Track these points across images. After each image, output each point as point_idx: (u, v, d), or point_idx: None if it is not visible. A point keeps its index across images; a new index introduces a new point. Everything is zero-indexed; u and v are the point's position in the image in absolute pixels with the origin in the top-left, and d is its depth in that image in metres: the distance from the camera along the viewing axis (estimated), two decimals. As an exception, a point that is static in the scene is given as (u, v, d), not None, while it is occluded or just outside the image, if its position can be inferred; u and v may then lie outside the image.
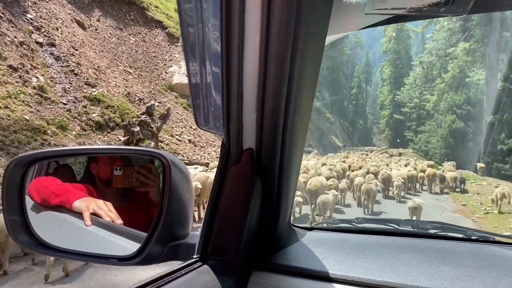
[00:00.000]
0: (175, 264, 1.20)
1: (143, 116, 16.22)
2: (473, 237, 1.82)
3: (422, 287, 1.18)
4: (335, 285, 1.26)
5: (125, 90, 22.00)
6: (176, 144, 20.47)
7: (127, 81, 23.14)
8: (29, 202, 1.39)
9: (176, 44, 29.01)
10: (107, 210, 1.36)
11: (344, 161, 27.53)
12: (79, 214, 1.34)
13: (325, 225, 2.10)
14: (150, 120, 16.11)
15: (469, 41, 38.24)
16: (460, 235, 1.85)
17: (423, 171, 23.26)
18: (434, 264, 1.34)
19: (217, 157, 22.03)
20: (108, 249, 1.33)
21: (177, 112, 24.04)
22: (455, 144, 37.81)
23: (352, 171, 21.78)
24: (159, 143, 17.88)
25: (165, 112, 17.36)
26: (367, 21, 1.45)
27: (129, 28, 27.34)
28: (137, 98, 21.59)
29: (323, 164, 23.47)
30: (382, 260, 1.38)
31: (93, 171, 1.56)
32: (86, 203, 1.36)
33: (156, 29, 29.06)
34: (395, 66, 66.46)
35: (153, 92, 24.28)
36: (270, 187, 1.31)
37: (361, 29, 1.52)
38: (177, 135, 21.79)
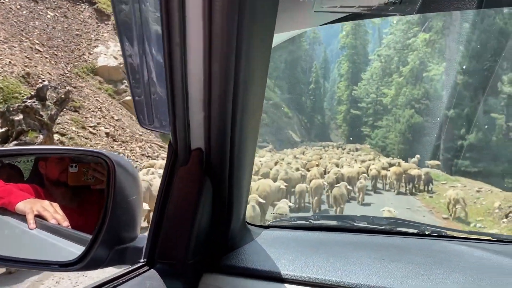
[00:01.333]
0: (122, 269, 1.12)
1: (29, 101, 11.50)
2: (426, 232, 1.84)
3: (372, 285, 1.18)
4: (287, 285, 1.24)
5: (23, 70, 17.24)
6: (86, 138, 16.14)
7: (31, 60, 18.43)
8: None
9: (106, 22, 24.38)
10: (53, 212, 1.29)
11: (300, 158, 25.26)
12: (22, 217, 1.27)
13: (282, 223, 2.14)
14: (40, 107, 11.40)
15: (428, 32, 36.12)
16: (415, 231, 1.87)
17: (385, 168, 20.63)
18: (386, 262, 1.35)
19: (142, 154, 18.47)
20: (52, 254, 1.26)
21: (96, 100, 19.35)
22: (413, 139, 35.78)
23: (308, 170, 19.84)
24: (59, 137, 13.68)
25: (62, 97, 12.48)
26: (318, 19, 1.54)
27: (47, 1, 22.52)
28: (39, 81, 17.13)
29: (276, 163, 21.45)
30: (334, 259, 1.38)
31: (41, 170, 1.49)
32: (30, 205, 1.29)
33: (82, 4, 24.20)
34: (352, 61, 65.77)
35: (68, 75, 19.58)
36: (220, 188, 1.27)
37: (312, 27, 1.61)
38: (90, 127, 17.42)
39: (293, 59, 67.42)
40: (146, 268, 1.18)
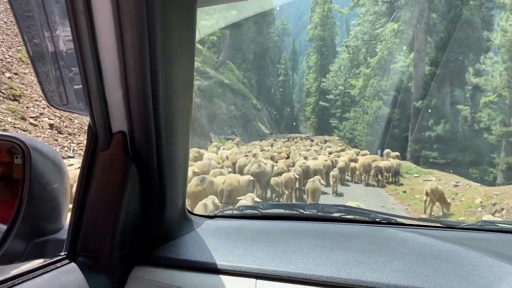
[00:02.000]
0: (33, 264, 1.04)
1: None
2: (377, 219, 1.83)
3: (309, 274, 1.15)
4: (222, 276, 1.20)
5: None
6: (25, 130, 14.21)
7: None
8: None
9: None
10: None
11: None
12: None
13: (229, 212, 2.00)
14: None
15: (397, 22, 35.37)
16: (365, 218, 1.86)
17: (353, 160, 19.77)
18: (327, 250, 1.33)
19: None
20: None
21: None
22: (381, 131, 35.04)
23: (276, 161, 18.59)
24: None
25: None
26: None
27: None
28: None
29: (246, 155, 20.28)
30: (275, 248, 1.34)
31: None
32: None
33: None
34: (320, 53, 65.23)
35: (8, 60, 17.42)
36: (149, 175, 1.18)
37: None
38: (32, 117, 15.38)
39: (262, 51, 66.24)
40: (66, 261, 1.09)
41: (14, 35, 18.80)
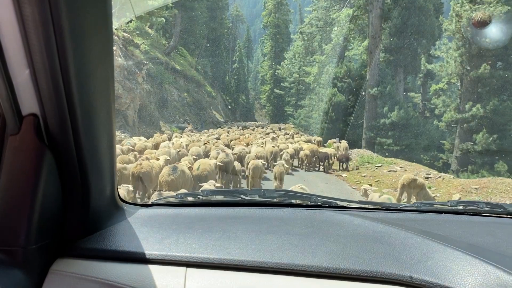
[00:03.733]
0: None
1: None
2: (318, 203, 1.82)
3: (241, 260, 1.14)
4: (150, 266, 1.15)
5: None
6: None
7: None
8: None
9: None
10: None
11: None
12: None
13: (167, 200, 1.88)
14: None
15: (352, 7, 34.19)
16: (307, 202, 1.84)
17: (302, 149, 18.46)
18: (263, 234, 1.32)
19: None
20: None
21: None
22: (337, 118, 34.09)
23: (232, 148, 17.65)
24: None
25: None
26: None
27: None
28: None
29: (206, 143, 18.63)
30: (208, 235, 1.31)
31: None
32: None
33: None
34: (275, 40, 64.45)
35: None
36: (68, 160, 1.09)
37: None
38: None
39: (216, 37, 64.24)
40: None
41: None
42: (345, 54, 37.83)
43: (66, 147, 1.07)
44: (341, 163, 18.62)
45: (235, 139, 22.21)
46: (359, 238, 1.32)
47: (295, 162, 18.63)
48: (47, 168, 1.05)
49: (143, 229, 1.34)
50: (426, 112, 35.02)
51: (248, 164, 12.91)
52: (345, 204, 1.87)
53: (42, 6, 0.84)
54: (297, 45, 52.64)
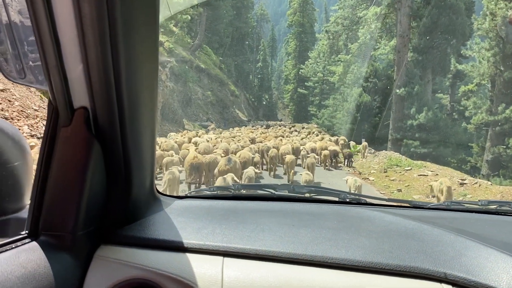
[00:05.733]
0: None
1: None
2: (347, 200, 1.85)
3: (276, 252, 1.16)
4: (189, 255, 1.19)
5: None
6: None
7: None
8: None
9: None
10: None
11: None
12: None
13: (200, 193, 1.99)
14: None
15: (380, 6, 33.31)
16: (335, 198, 1.87)
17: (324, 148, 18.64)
18: (296, 228, 1.33)
19: (31, 135, 14.12)
20: None
21: None
22: (362, 119, 33.31)
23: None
24: None
25: None
26: None
27: None
28: None
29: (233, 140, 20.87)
30: (243, 226, 1.34)
31: None
32: None
33: None
34: (299, 39, 63.81)
35: None
36: (114, 152, 1.14)
37: None
38: None
39: (240, 36, 64.15)
40: (27, 240, 1.04)
41: None
42: (372, 53, 36.95)
43: (113, 139, 1.11)
44: (345, 160, 19.46)
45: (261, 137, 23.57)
46: (391, 234, 1.33)
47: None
48: (94, 159, 1.09)
49: (180, 219, 1.38)
50: (454, 114, 33.83)
51: (285, 158, 14.96)
52: (373, 201, 1.87)
53: (100, 5, 0.89)
54: (322, 44, 51.81)
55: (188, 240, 1.23)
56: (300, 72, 58.94)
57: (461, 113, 30.75)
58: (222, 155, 13.94)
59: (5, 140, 1.11)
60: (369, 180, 16.19)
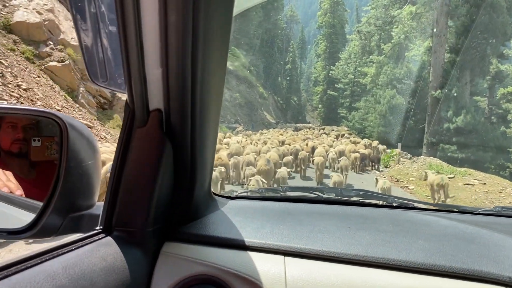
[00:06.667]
0: (71, 238, 1.05)
1: None
2: (394, 204, 1.86)
3: (337, 252, 1.18)
4: (250, 253, 1.21)
5: None
6: None
7: None
8: None
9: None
10: (5, 180, 1.23)
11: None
12: None
13: (249, 194, 2.01)
14: None
15: (415, 4, 32.16)
16: (382, 202, 1.90)
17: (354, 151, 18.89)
18: (352, 230, 1.35)
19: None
20: (2, 222, 1.20)
21: (0, 62, 13.76)
22: (395, 121, 32.28)
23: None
24: None
25: None
26: None
27: None
28: None
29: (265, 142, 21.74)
30: (301, 227, 1.36)
31: None
32: None
33: None
34: (330, 40, 63.00)
35: None
36: (182, 153, 1.20)
37: None
38: None
39: (269, 38, 64.00)
40: (102, 235, 1.10)
41: None
42: (407, 53, 35.79)
43: (183, 141, 1.16)
44: (372, 163, 19.55)
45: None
46: (450, 237, 1.33)
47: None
48: (166, 159, 1.13)
49: (238, 219, 1.42)
50: (492, 117, 32.27)
51: (314, 160, 15.72)
52: (422, 205, 1.86)
53: (186, 16, 0.94)
54: (353, 45, 51.08)
55: (249, 238, 1.25)
56: (330, 74, 58.12)
57: (500, 117, 29.31)
58: (255, 156, 14.95)
59: (81, 140, 1.17)
60: (409, 189, 15.24)
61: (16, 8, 16.66)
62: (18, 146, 1.35)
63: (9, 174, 1.25)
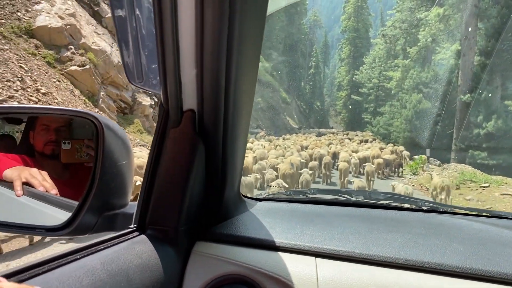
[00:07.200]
0: (107, 235, 1.10)
1: None
2: (424, 208, 1.82)
3: (369, 254, 1.17)
4: (281, 254, 1.22)
5: None
6: None
7: None
8: None
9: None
10: (41, 179, 1.26)
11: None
12: (10, 184, 1.24)
13: (277, 196, 2.05)
14: None
15: (443, 6, 31.28)
16: (412, 206, 1.87)
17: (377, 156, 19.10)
18: (383, 232, 1.34)
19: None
20: (39, 219, 1.24)
21: (21, 66, 13.84)
22: (421, 126, 31.38)
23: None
24: None
25: None
26: None
27: None
28: None
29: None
30: (331, 229, 1.36)
31: (31, 141, 1.44)
32: (18, 172, 1.26)
33: None
34: (354, 45, 62.45)
35: None
36: (214, 154, 1.22)
37: None
38: None
39: (292, 42, 63.77)
40: (136, 233, 1.13)
41: (0, 7, 16.09)
42: (433, 56, 34.83)
43: (215, 142, 1.17)
44: (396, 169, 19.47)
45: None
46: (485, 241, 1.30)
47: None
48: (198, 160, 1.15)
49: (267, 220, 1.42)
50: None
51: (338, 165, 15.96)
52: (452, 209, 1.85)
53: (222, 17, 0.95)
54: (378, 49, 50.31)
55: (279, 239, 1.24)
56: (354, 78, 57.54)
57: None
58: (278, 161, 15.48)
59: (116, 141, 1.19)
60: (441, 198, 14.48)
61: (38, 13, 16.96)
62: (50, 148, 1.39)
63: (44, 174, 1.27)
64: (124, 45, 1.09)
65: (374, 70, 52.11)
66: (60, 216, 1.17)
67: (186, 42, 1.01)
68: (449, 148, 27.73)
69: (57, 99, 14.13)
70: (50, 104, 13.57)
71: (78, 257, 0.89)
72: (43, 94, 13.76)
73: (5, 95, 12.50)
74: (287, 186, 11.60)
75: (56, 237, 1.34)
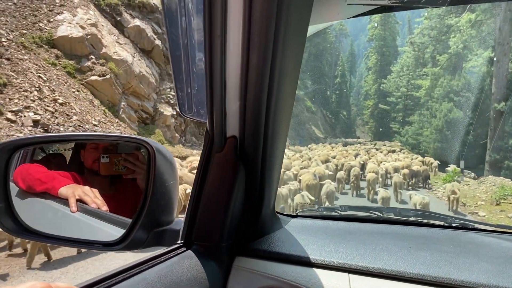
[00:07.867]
0: (160, 250, 1.19)
1: None
2: (453, 225, 1.85)
3: (400, 271, 1.21)
4: (316, 270, 1.27)
5: None
6: None
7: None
8: (14, 189, 1.36)
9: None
10: (93, 197, 1.34)
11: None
12: (64, 201, 1.32)
13: (309, 212, 2.09)
14: None
15: (474, 12, 30.17)
16: (441, 223, 1.88)
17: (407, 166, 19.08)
18: (413, 250, 1.37)
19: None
20: (94, 235, 1.32)
21: (39, 76, 14.27)
22: (452, 136, 30.20)
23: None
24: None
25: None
26: (350, 11, 1.53)
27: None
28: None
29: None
30: (363, 246, 1.40)
31: (82, 159, 1.54)
32: (72, 190, 1.34)
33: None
34: (381, 53, 61.48)
35: (4, 43, 14.50)
36: (253, 175, 1.31)
37: (345, 19, 1.56)
38: (12, 111, 12.50)
39: (318, 52, 63.46)
40: (183, 249, 1.22)
41: (23, 18, 16.33)
42: (465, 63, 33.62)
43: (254, 164, 1.26)
44: (422, 179, 19.31)
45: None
46: None
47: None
48: (239, 181, 1.24)
49: (301, 236, 1.47)
50: None
51: (366, 176, 16.00)
52: (481, 226, 1.82)
53: (265, 58, 1.05)
54: (406, 57, 49.28)
55: (314, 256, 1.29)
56: (381, 87, 56.56)
57: None
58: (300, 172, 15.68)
59: (165, 163, 1.27)
60: (479, 216, 13.52)
61: (60, 23, 17.22)
62: (98, 165, 1.46)
63: (95, 191, 1.34)
64: (179, 82, 1.19)
65: (402, 79, 51.10)
66: (111, 231, 1.24)
67: (232, 78, 1.11)
68: (483, 159, 26.50)
69: (75, 109, 14.19)
70: (67, 115, 13.66)
71: (138, 271, 0.99)
72: (61, 104, 13.83)
73: (21, 105, 12.61)
74: (313, 198, 11.58)
75: (112, 252, 1.34)
